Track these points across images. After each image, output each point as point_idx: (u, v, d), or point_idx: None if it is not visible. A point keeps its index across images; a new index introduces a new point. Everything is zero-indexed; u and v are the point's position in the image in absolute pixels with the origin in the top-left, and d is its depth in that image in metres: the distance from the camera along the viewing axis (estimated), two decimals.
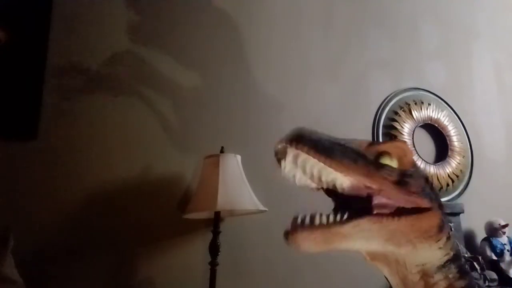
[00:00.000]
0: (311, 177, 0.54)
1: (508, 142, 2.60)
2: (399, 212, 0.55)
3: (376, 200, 0.56)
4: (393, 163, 0.57)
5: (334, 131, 2.02)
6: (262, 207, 1.51)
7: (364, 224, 0.53)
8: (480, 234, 2.15)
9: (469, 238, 2.17)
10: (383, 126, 2.19)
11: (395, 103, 2.26)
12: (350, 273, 1.79)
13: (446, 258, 0.59)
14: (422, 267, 0.58)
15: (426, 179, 0.61)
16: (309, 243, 0.52)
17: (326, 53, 2.20)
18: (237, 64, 1.95)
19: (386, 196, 0.55)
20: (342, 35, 2.28)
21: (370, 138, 2.15)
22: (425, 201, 0.57)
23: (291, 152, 0.53)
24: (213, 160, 1.53)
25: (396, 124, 2.21)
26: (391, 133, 2.18)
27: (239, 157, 1.59)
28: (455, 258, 0.60)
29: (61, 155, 1.54)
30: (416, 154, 2.20)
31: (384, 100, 2.25)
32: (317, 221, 0.52)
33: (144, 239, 1.57)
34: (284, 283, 1.73)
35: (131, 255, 1.54)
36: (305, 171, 0.54)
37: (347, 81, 2.20)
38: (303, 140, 0.52)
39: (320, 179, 0.54)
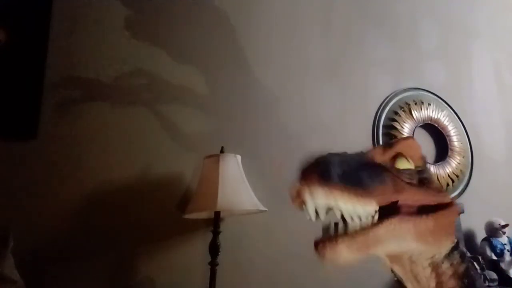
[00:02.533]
0: (340, 211, 0.50)
1: (508, 142, 2.60)
2: (424, 210, 0.54)
3: (402, 201, 0.54)
4: (410, 164, 0.56)
5: (334, 131, 2.03)
6: (262, 207, 1.51)
7: (397, 223, 0.51)
8: (480, 234, 2.15)
9: (469, 238, 2.17)
10: (383, 126, 2.19)
11: (395, 103, 2.26)
12: (350, 273, 1.79)
13: (451, 245, 0.59)
14: (431, 260, 0.58)
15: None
16: (349, 253, 0.48)
17: (326, 53, 2.20)
18: (237, 64, 1.95)
19: (412, 200, 0.54)
20: (342, 35, 2.28)
21: (370, 138, 2.15)
22: (447, 196, 0.57)
23: (321, 194, 0.47)
24: (213, 160, 1.53)
25: (396, 124, 2.21)
26: (391, 133, 2.18)
27: (239, 157, 1.59)
28: (457, 243, 0.60)
29: (61, 155, 1.54)
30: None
31: (384, 100, 2.25)
32: (351, 228, 0.49)
33: (144, 239, 1.57)
34: (284, 283, 1.73)
35: (131, 255, 1.54)
36: (336, 208, 0.49)
37: (347, 81, 2.20)
38: (332, 176, 0.47)
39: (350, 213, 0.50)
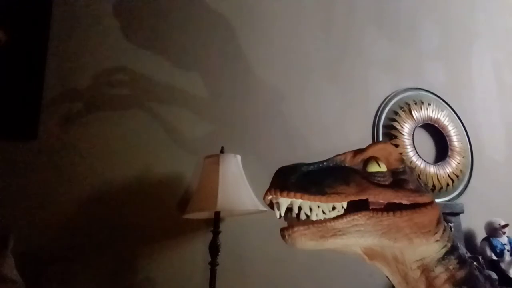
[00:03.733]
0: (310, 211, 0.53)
1: (508, 142, 2.60)
2: (395, 207, 0.55)
3: (371, 199, 0.55)
4: (381, 167, 0.57)
5: (334, 131, 2.03)
6: (262, 207, 1.51)
7: (359, 219, 0.53)
8: (480, 234, 2.15)
9: (469, 238, 2.17)
10: (383, 126, 2.19)
11: (395, 103, 2.26)
12: (351, 273, 1.79)
13: (444, 250, 0.58)
14: (421, 262, 0.58)
15: (413, 170, 0.62)
16: (305, 239, 0.51)
17: (326, 53, 2.20)
18: (236, 64, 1.95)
19: (380, 198, 0.55)
20: (342, 35, 2.28)
21: (370, 138, 2.15)
22: (425, 196, 0.57)
23: (284, 201, 0.52)
24: (213, 160, 1.53)
25: (396, 124, 2.21)
26: (391, 133, 2.18)
27: (239, 157, 1.59)
28: (454, 249, 0.60)
29: (61, 155, 1.54)
30: (416, 154, 2.20)
31: (384, 100, 2.26)
32: (313, 216, 0.52)
33: (144, 239, 1.57)
34: (284, 283, 1.73)
35: (131, 255, 1.54)
36: (304, 210, 0.53)
37: (347, 81, 2.20)
38: (293, 184, 0.50)
39: (318, 212, 0.53)
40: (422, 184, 0.60)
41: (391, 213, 0.54)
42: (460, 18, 2.73)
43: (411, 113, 2.27)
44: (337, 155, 0.57)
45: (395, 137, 2.18)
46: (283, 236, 0.53)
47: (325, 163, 0.55)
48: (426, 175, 2.18)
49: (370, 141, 2.14)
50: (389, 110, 2.23)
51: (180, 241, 1.63)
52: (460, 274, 0.58)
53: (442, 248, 0.58)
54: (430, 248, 0.57)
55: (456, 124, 2.42)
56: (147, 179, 1.63)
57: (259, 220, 1.66)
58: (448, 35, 2.64)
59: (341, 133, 2.06)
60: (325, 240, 0.52)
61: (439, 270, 0.58)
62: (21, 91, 1.52)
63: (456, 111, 2.45)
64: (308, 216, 0.52)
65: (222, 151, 1.60)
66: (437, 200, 2.30)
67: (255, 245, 1.73)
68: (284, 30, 2.12)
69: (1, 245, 1.13)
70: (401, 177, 0.57)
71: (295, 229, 0.51)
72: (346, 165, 0.56)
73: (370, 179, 0.55)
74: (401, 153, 0.63)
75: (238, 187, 1.50)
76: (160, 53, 1.80)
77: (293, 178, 0.51)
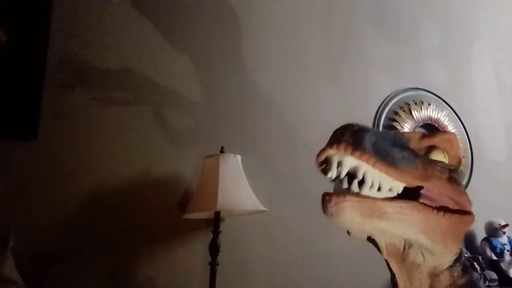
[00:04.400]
0: (367, 186, 0.50)
1: (508, 142, 2.60)
2: (444, 209, 0.53)
3: (427, 192, 0.53)
4: (445, 158, 0.56)
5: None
6: (262, 207, 1.51)
7: (407, 208, 0.50)
8: (480, 234, 2.15)
9: (469, 238, 2.17)
10: (383, 126, 2.19)
11: (395, 103, 2.26)
12: (351, 273, 1.79)
13: (455, 257, 0.59)
14: (433, 270, 0.58)
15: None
16: (354, 211, 0.48)
17: (326, 53, 2.20)
18: (236, 64, 1.95)
19: (438, 191, 0.53)
20: (342, 35, 2.28)
21: None
22: (469, 203, 0.57)
23: (350, 161, 0.47)
24: (213, 160, 1.53)
25: (396, 124, 2.21)
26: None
27: (239, 157, 1.59)
28: (460, 256, 0.60)
29: (61, 155, 1.54)
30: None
31: (384, 100, 2.26)
32: (365, 191, 0.49)
33: (144, 239, 1.57)
34: (284, 283, 1.73)
35: (131, 255, 1.54)
36: (366, 180, 0.49)
37: (347, 81, 2.20)
38: (365, 145, 0.47)
39: (373, 187, 0.50)
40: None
41: (441, 213, 0.52)
42: (460, 18, 2.73)
43: (411, 113, 2.27)
44: (405, 132, 0.56)
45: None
46: (327, 202, 0.48)
47: (391, 133, 0.53)
48: None
49: None
50: (389, 110, 2.23)
51: (180, 241, 1.63)
52: (462, 281, 0.59)
53: (455, 255, 0.59)
54: (449, 256, 0.57)
55: (456, 124, 2.42)
56: (147, 179, 1.63)
57: (259, 220, 1.66)
58: (448, 35, 2.64)
59: None
60: (370, 219, 0.49)
61: (444, 276, 0.58)
62: (21, 91, 1.52)
63: (456, 111, 2.45)
64: (359, 188, 0.49)
65: (222, 151, 1.60)
66: None
67: (255, 245, 1.72)
68: (284, 30, 2.12)
69: (1, 245, 1.13)
70: (454, 175, 0.56)
71: (347, 198, 0.47)
72: (410, 146, 0.54)
73: (433, 167, 0.53)
74: None
75: (238, 187, 1.50)
76: (160, 53, 1.80)
77: (368, 140, 0.47)
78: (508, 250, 2.02)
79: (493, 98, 2.67)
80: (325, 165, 0.51)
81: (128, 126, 1.67)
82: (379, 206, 0.49)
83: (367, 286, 1.75)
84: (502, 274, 1.94)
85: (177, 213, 1.61)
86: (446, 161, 0.56)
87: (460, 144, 0.59)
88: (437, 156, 0.55)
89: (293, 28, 2.15)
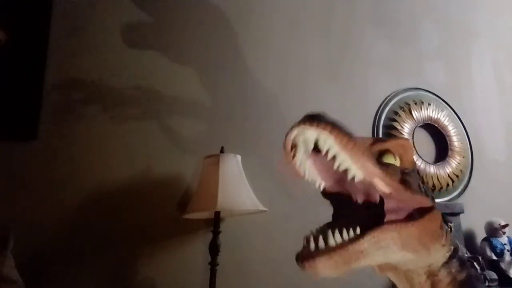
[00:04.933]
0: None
1: (508, 142, 2.60)
2: (410, 216, 0.53)
3: (388, 204, 0.53)
4: (396, 162, 0.56)
5: None
6: (262, 207, 1.51)
7: (380, 234, 0.50)
8: (480, 234, 2.15)
9: (469, 238, 2.17)
10: (383, 126, 2.19)
11: (395, 103, 2.26)
12: (350, 273, 1.79)
13: (448, 254, 0.58)
14: (429, 268, 0.58)
15: (419, 173, 0.61)
16: (329, 268, 0.47)
17: (326, 53, 2.20)
18: (236, 64, 1.95)
19: (397, 198, 0.53)
20: (342, 35, 2.28)
21: None
22: (426, 199, 0.56)
23: (310, 132, 0.49)
24: (213, 160, 1.53)
25: (396, 124, 2.21)
26: (391, 133, 2.18)
27: (239, 157, 1.59)
28: (455, 251, 0.60)
29: (61, 155, 1.54)
30: (416, 154, 2.20)
31: (384, 100, 2.26)
32: (331, 242, 0.48)
33: (144, 239, 1.57)
34: (284, 283, 1.73)
35: (131, 255, 1.54)
36: (321, 151, 0.49)
37: (347, 81, 2.20)
38: (324, 119, 0.49)
39: (332, 166, 0.50)
40: (424, 188, 0.59)
41: (409, 223, 0.52)
42: (460, 18, 2.73)
43: (411, 113, 2.27)
44: (360, 137, 0.55)
45: (395, 137, 2.18)
46: (302, 267, 0.48)
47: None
48: (426, 175, 2.18)
49: None
50: (389, 110, 2.23)
51: (180, 241, 1.63)
52: (461, 276, 0.59)
53: (447, 252, 0.58)
54: (439, 253, 0.57)
55: (456, 124, 2.42)
56: (147, 179, 1.63)
57: (259, 220, 1.66)
58: (448, 35, 2.64)
59: None
60: (349, 265, 0.49)
61: (443, 274, 0.58)
62: (21, 91, 1.52)
63: (456, 111, 2.45)
64: (326, 241, 0.49)
65: (222, 151, 1.60)
66: (437, 200, 2.31)
67: (255, 245, 1.72)
68: (284, 30, 2.12)
69: (1, 245, 1.13)
70: (407, 178, 0.55)
71: (317, 260, 0.47)
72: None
73: (384, 170, 0.53)
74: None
75: (238, 187, 1.50)
76: (160, 53, 1.80)
77: (325, 117, 0.49)
78: (508, 250, 2.02)
79: (493, 98, 2.67)
80: (293, 151, 0.53)
81: (129, 126, 1.67)
82: (353, 249, 0.48)
83: (367, 286, 1.75)
84: (502, 274, 1.94)
85: (177, 213, 1.61)
86: (398, 164, 0.56)
87: (414, 150, 0.60)
88: (388, 159, 0.55)
89: (293, 29, 2.15)
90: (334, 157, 0.49)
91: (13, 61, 1.54)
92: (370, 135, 2.15)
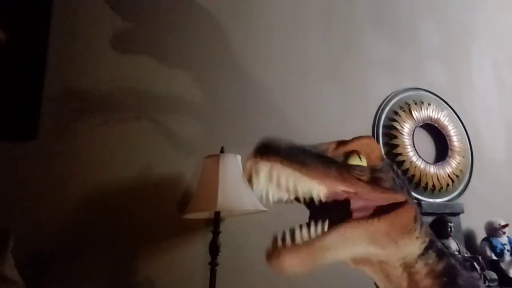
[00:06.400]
0: (287, 190, 0.52)
1: (508, 142, 2.60)
2: (378, 212, 0.54)
3: (355, 203, 0.54)
4: (362, 161, 0.56)
5: (334, 131, 2.03)
6: (262, 207, 1.51)
7: (345, 230, 0.51)
8: (480, 234, 2.15)
9: (469, 238, 2.17)
10: (383, 126, 2.19)
11: (395, 103, 2.26)
12: (350, 273, 1.78)
13: (424, 245, 0.58)
14: (403, 260, 0.58)
15: (392, 167, 0.61)
16: (295, 264, 0.49)
17: (326, 53, 2.20)
18: (236, 64, 1.95)
19: (363, 197, 0.54)
20: (342, 35, 2.28)
21: None
22: (399, 194, 0.56)
23: (264, 166, 0.49)
24: (213, 160, 1.53)
25: (396, 124, 2.21)
26: (391, 133, 2.18)
27: (239, 157, 1.58)
28: (432, 243, 0.60)
29: (61, 155, 1.54)
30: (416, 154, 2.20)
31: (384, 100, 2.26)
32: (298, 238, 0.50)
33: (144, 239, 1.57)
34: (284, 283, 1.73)
35: (131, 255, 1.54)
36: (280, 184, 0.51)
37: (347, 81, 2.20)
38: (274, 151, 0.49)
39: (296, 191, 0.52)
40: (399, 182, 0.60)
41: (375, 219, 0.53)
42: (460, 18, 2.73)
43: (411, 113, 2.27)
44: (321, 144, 0.56)
45: (395, 137, 2.18)
46: (270, 262, 0.50)
47: (305, 146, 0.54)
48: (426, 175, 2.18)
49: None
50: (389, 110, 2.24)
51: (180, 241, 1.63)
52: (439, 266, 0.59)
53: (422, 244, 0.59)
54: (413, 246, 0.58)
55: (456, 124, 2.42)
56: (147, 179, 1.63)
57: (259, 220, 1.66)
58: (448, 35, 2.64)
59: (341, 133, 2.04)
60: (315, 260, 0.50)
61: (419, 265, 0.58)
62: (21, 91, 1.52)
63: (456, 111, 2.45)
64: (293, 237, 0.50)
65: (222, 151, 1.60)
66: (437, 200, 2.30)
67: (255, 245, 1.72)
68: (284, 30, 2.12)
69: (1, 245, 1.13)
70: (377, 175, 0.56)
71: (283, 255, 0.49)
72: (328, 155, 0.56)
73: (350, 171, 0.54)
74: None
75: (238, 187, 1.50)
76: (160, 53, 1.80)
77: (277, 147, 0.49)
78: (508, 250, 2.02)
79: (493, 98, 2.67)
80: (251, 182, 0.53)
81: (128, 126, 1.67)
82: (319, 245, 0.50)
83: (366, 286, 1.75)
84: (502, 274, 1.94)
85: (177, 213, 1.61)
86: (364, 163, 0.56)
87: (380, 145, 0.60)
88: (353, 160, 0.56)
89: (293, 28, 2.15)
90: (294, 186, 0.50)
91: (13, 61, 1.54)
92: (370, 135, 2.15)
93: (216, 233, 1.48)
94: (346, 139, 0.58)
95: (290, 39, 2.12)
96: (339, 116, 2.10)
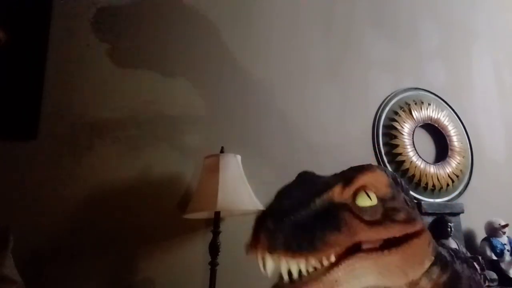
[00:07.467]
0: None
1: (508, 142, 2.60)
2: (389, 243, 0.51)
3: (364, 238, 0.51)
4: (372, 198, 0.52)
5: (334, 131, 2.03)
6: (262, 207, 1.51)
7: (356, 263, 0.48)
8: (480, 234, 2.15)
9: (469, 238, 2.17)
10: (383, 126, 2.19)
11: (395, 103, 2.26)
12: None
13: (429, 263, 0.57)
14: (410, 280, 0.56)
15: (398, 182, 0.58)
16: None
17: (326, 53, 2.20)
18: (236, 64, 1.95)
19: (378, 238, 0.51)
20: (342, 35, 2.28)
21: (370, 138, 2.14)
22: (416, 223, 0.54)
23: (270, 261, 0.46)
24: (213, 160, 1.53)
25: (396, 124, 2.21)
26: (391, 133, 2.18)
27: (239, 157, 1.59)
28: (436, 258, 0.58)
29: (61, 155, 1.54)
30: (416, 154, 2.20)
31: (384, 100, 2.26)
32: (305, 273, 0.47)
33: (144, 239, 1.57)
34: None
35: (131, 255, 1.54)
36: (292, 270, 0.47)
37: (347, 81, 2.20)
38: (279, 244, 0.45)
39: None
40: (410, 203, 0.57)
41: (386, 252, 0.50)
42: (460, 18, 2.73)
43: (411, 113, 2.27)
44: (324, 193, 0.51)
45: (395, 137, 2.18)
46: None
47: (312, 204, 0.50)
48: (426, 175, 2.18)
49: (370, 141, 2.14)
50: (389, 110, 2.23)
51: (180, 241, 1.63)
52: (443, 278, 0.58)
53: (428, 263, 0.57)
54: (422, 270, 0.56)
55: (456, 124, 2.42)
56: (147, 179, 1.63)
57: None
58: (448, 35, 2.64)
59: (341, 133, 2.06)
60: None
61: (424, 282, 0.57)
62: (21, 91, 1.52)
63: (456, 111, 2.45)
64: (300, 273, 0.47)
65: (222, 151, 1.60)
66: (437, 200, 2.30)
67: None
68: (284, 30, 2.12)
69: (1, 245, 1.13)
70: (390, 205, 0.53)
71: None
72: (335, 201, 0.51)
73: (361, 216, 0.51)
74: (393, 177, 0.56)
75: (238, 187, 1.50)
76: (160, 53, 1.80)
77: (280, 235, 0.45)
78: (508, 250, 2.02)
79: (493, 98, 2.67)
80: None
81: (128, 126, 1.66)
82: (327, 280, 0.47)
83: None
84: (502, 274, 1.94)
85: (177, 213, 1.61)
86: (374, 201, 0.52)
87: (384, 171, 0.54)
88: (362, 201, 0.52)
89: (293, 28, 2.15)
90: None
91: (13, 61, 1.54)
92: (370, 135, 2.15)
93: (216, 233, 1.48)
94: (344, 169, 0.54)
95: (290, 39, 2.12)
96: (339, 116, 2.10)
